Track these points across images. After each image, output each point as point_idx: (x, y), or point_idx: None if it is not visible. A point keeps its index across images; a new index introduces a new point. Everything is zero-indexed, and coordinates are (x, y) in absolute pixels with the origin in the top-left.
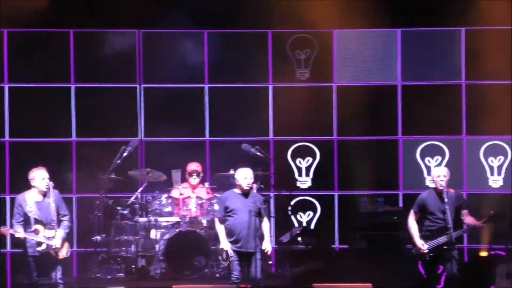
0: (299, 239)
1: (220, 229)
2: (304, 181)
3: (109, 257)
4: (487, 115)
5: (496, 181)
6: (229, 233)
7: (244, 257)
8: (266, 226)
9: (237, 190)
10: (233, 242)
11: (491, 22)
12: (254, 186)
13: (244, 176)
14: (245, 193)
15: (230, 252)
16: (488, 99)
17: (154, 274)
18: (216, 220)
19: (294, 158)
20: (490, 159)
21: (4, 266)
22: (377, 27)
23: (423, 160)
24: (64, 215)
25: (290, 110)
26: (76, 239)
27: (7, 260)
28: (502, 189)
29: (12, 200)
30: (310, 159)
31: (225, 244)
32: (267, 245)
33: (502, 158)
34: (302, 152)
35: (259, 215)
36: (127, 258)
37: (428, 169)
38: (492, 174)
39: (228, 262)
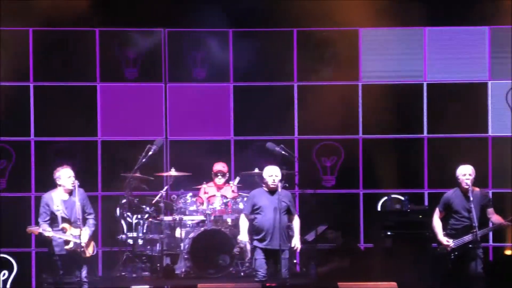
0: (326, 236)
1: (243, 223)
2: (329, 180)
3: (134, 256)
4: None
5: None
6: (257, 231)
7: (271, 255)
8: (296, 223)
9: (265, 188)
10: (260, 240)
11: None
12: (279, 184)
13: (269, 174)
14: (273, 191)
15: (246, 246)
16: None
17: (179, 273)
18: (242, 215)
19: (318, 157)
20: None
21: (29, 265)
22: (403, 25)
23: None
24: (90, 214)
25: (316, 108)
26: (101, 237)
27: (32, 259)
28: None
29: (37, 199)
30: (335, 157)
31: (243, 236)
32: (296, 242)
33: None
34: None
35: (288, 213)
36: (152, 256)
37: None
38: None
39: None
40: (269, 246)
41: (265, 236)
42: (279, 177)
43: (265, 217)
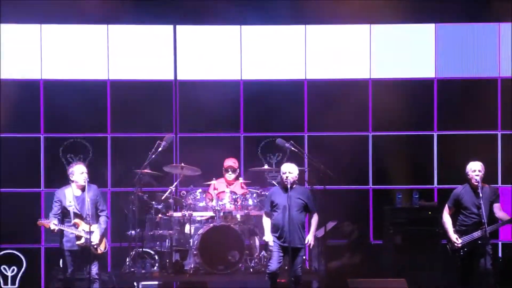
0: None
1: (266, 222)
2: None
3: (143, 252)
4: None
5: None
6: (274, 228)
7: (287, 252)
8: (313, 220)
9: (282, 185)
10: (277, 237)
11: None
12: (289, 181)
13: (283, 171)
14: (290, 188)
15: (271, 245)
16: None
17: (188, 269)
18: (264, 214)
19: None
20: None
21: (38, 261)
22: (412, 21)
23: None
24: (102, 210)
25: (324, 105)
26: (111, 233)
27: (41, 255)
28: None
29: (47, 195)
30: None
31: (267, 237)
32: (310, 238)
33: None
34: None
35: (306, 210)
36: (161, 252)
37: None
38: None
39: (269, 252)
40: (286, 243)
41: (281, 233)
42: (294, 174)
43: (280, 214)
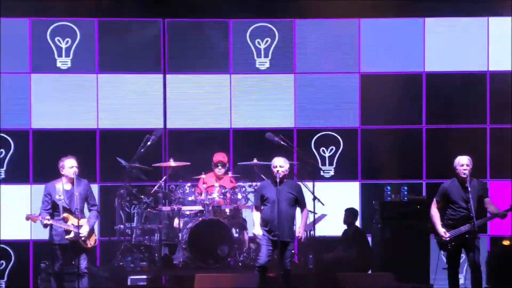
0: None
1: (256, 216)
2: (328, 171)
3: (132, 246)
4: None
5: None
6: (264, 222)
7: (276, 246)
8: (304, 213)
9: (273, 179)
10: (267, 231)
11: None
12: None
13: (273, 165)
14: (280, 182)
15: (258, 236)
16: None
17: (177, 263)
18: (253, 207)
19: (317, 147)
20: None
21: (27, 255)
22: (402, 16)
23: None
24: (93, 205)
25: (313, 98)
26: (100, 228)
27: (30, 249)
28: None
29: (36, 189)
30: (334, 148)
31: (257, 230)
32: (300, 231)
33: None
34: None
35: (297, 204)
36: (150, 246)
37: None
38: None
39: (256, 245)
40: (276, 237)
41: (271, 227)
42: (284, 168)
43: (270, 208)
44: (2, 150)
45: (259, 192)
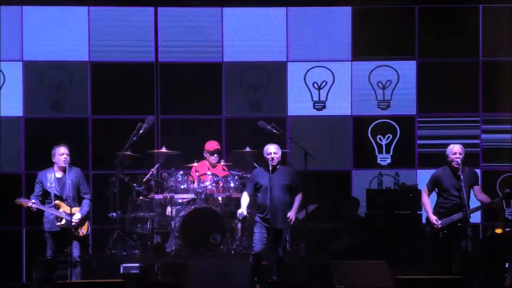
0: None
1: (244, 199)
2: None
3: (124, 234)
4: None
5: None
6: (259, 209)
7: (271, 233)
8: (297, 198)
9: (266, 166)
10: (262, 219)
11: None
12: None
13: (267, 152)
14: (273, 169)
15: (239, 213)
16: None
17: (169, 251)
18: (244, 192)
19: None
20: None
21: (20, 243)
22: (394, 3)
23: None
24: (86, 193)
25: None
26: (92, 216)
27: (22, 237)
28: None
29: (28, 177)
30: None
31: (243, 209)
32: (292, 214)
33: None
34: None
35: (291, 190)
36: (142, 235)
37: None
38: None
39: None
40: (270, 225)
41: (266, 214)
42: (278, 155)
43: (264, 195)
44: None
45: (253, 180)
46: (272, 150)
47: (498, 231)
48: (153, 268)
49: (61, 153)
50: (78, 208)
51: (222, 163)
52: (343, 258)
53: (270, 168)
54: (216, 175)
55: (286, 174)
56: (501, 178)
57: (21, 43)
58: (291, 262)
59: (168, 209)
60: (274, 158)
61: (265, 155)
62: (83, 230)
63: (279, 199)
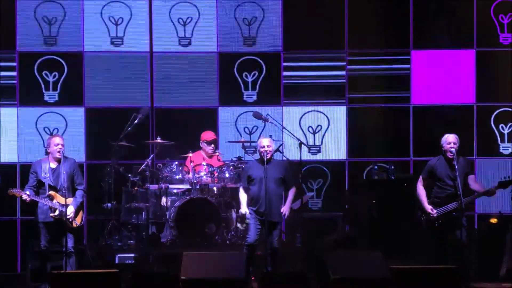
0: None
1: (242, 196)
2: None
3: (119, 225)
4: (498, 83)
5: (507, 148)
6: (252, 202)
7: (263, 225)
8: (290, 192)
9: (259, 159)
10: (255, 211)
11: None
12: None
13: (261, 145)
14: (267, 162)
15: (247, 215)
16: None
17: (164, 241)
18: (240, 188)
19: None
20: (500, 126)
21: (15, 233)
22: None
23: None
24: (79, 184)
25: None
26: (87, 206)
27: (17, 227)
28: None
29: (23, 168)
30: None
31: (243, 209)
32: (285, 209)
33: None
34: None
35: (284, 183)
36: (137, 225)
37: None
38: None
39: (245, 225)
40: (264, 217)
41: (259, 207)
42: (271, 147)
43: (257, 188)
44: None
45: (246, 173)
46: (265, 143)
47: (493, 221)
48: (148, 258)
49: (56, 143)
50: (72, 199)
51: (217, 154)
52: (338, 248)
53: (265, 160)
54: (211, 166)
55: (279, 167)
56: None
57: (15, 35)
58: (286, 252)
59: (163, 199)
60: (268, 151)
61: (258, 148)
62: (77, 221)
63: (273, 192)
